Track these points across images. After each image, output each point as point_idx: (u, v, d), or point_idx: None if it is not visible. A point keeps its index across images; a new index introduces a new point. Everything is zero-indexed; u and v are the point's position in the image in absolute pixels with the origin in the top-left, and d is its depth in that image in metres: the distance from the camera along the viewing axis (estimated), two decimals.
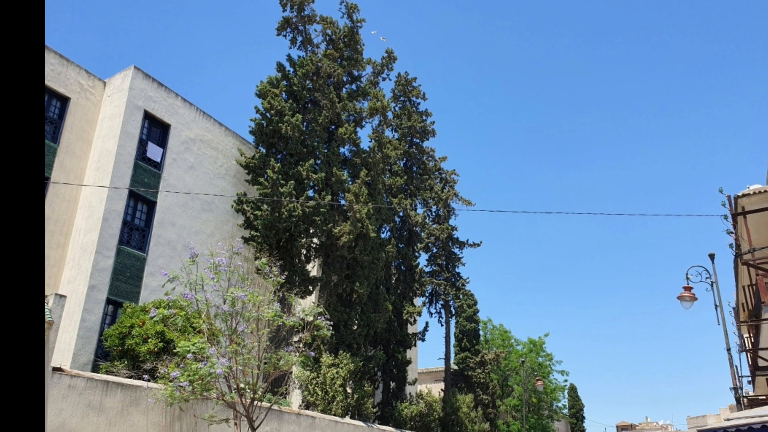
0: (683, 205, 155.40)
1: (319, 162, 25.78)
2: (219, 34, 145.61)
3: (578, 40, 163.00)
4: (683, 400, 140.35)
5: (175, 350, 13.76)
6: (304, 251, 25.18)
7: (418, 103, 35.71)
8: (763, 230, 20.29)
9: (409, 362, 30.53)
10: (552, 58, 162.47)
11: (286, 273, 20.26)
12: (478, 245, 36.52)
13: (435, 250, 36.07)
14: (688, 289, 19.61)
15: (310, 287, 24.37)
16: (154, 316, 13.95)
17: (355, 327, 25.78)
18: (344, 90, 28.28)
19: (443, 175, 36.90)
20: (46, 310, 12.24)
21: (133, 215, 21.92)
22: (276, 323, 13.69)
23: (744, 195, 18.88)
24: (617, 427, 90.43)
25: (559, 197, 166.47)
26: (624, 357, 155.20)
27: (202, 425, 15.04)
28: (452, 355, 35.59)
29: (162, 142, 23.51)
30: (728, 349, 19.22)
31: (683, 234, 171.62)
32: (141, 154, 22.53)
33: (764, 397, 23.57)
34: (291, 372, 21.65)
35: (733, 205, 18.80)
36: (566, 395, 56.99)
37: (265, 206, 23.22)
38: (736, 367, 19.88)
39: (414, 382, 32.31)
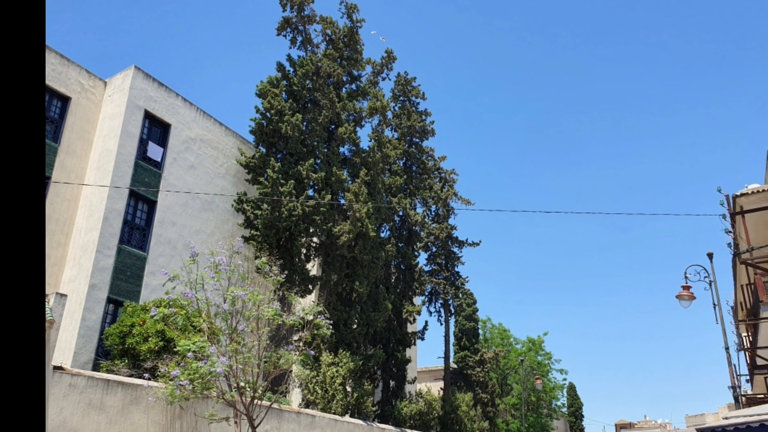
0: (682, 204, 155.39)
1: (318, 161, 25.84)
2: (219, 34, 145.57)
3: (577, 39, 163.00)
4: (682, 399, 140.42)
5: (175, 349, 13.75)
6: (304, 250, 25.23)
7: (418, 103, 35.75)
8: (762, 229, 20.33)
9: (408, 361, 30.59)
10: (551, 57, 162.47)
11: (286, 272, 20.32)
12: (478, 244, 36.59)
13: (434, 249, 36.12)
14: (686, 288, 19.65)
15: (310, 286, 24.43)
16: (155, 315, 13.97)
17: (355, 326, 25.84)
18: (344, 90, 28.33)
19: (442, 175, 36.95)
20: (46, 309, 12.27)
21: (134, 214, 21.98)
22: (276, 322, 13.72)
23: (742, 194, 18.93)
24: (616, 425, 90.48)
25: (558, 196, 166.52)
26: (623, 356, 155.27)
27: (203, 424, 15.06)
28: (451, 353, 35.65)
29: (162, 142, 23.57)
30: (726, 348, 19.26)
31: (682, 233, 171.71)
32: (141, 153, 22.59)
33: (762, 396, 23.63)
34: (291, 371, 21.72)
35: (732, 205, 18.85)
36: (565, 394, 57.10)
37: (265, 205, 23.27)
38: (735, 365, 19.97)
39: (413, 381, 32.37)
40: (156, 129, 23.55)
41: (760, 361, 20.90)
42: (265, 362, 13.47)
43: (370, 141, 28.54)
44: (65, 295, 13.39)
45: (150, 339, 16.11)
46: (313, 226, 24.26)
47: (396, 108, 34.99)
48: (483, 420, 33.21)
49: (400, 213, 32.15)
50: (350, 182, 26.72)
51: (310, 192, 25.22)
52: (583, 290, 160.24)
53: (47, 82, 21.19)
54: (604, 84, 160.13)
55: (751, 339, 20.81)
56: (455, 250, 36.41)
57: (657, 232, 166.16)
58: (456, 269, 36.30)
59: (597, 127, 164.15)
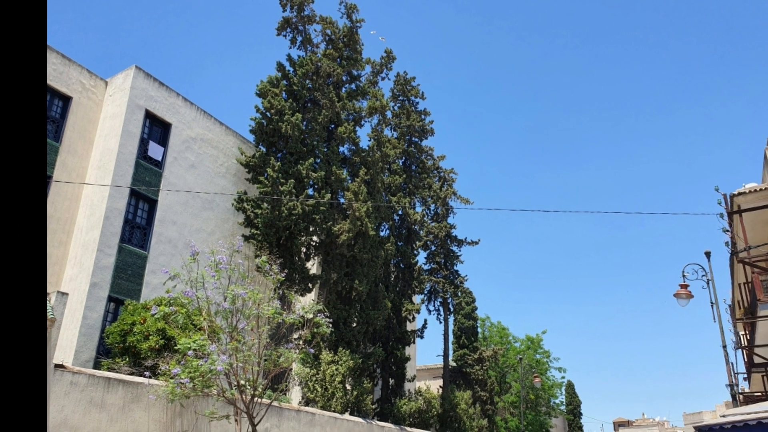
0: (680, 203, 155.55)
1: (318, 161, 25.91)
2: (219, 34, 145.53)
3: (575, 39, 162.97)
4: (679, 397, 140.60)
5: (176, 347, 13.75)
6: (303, 249, 25.29)
7: (417, 103, 35.80)
8: (759, 228, 20.41)
9: (407, 359, 30.66)
10: (549, 57, 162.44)
11: (286, 271, 20.35)
12: (477, 243, 36.67)
13: (433, 248, 36.18)
14: (684, 286, 19.72)
15: (310, 285, 24.50)
16: (156, 314, 13.96)
17: (355, 324, 25.91)
18: (344, 89, 28.40)
19: (442, 174, 37.02)
20: (48, 307, 12.32)
21: (135, 213, 22.07)
22: (276, 320, 13.76)
23: (740, 193, 19.01)
24: (614, 423, 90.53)
25: (557, 196, 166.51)
26: (621, 354, 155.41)
27: (203, 422, 15.09)
28: (450, 352, 35.74)
29: (163, 141, 23.66)
30: (724, 347, 19.33)
31: (680, 232, 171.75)
32: (142, 152, 22.67)
33: (760, 394, 23.75)
34: (291, 369, 21.78)
35: (729, 204, 18.94)
36: (564, 392, 57.16)
37: (265, 205, 23.35)
38: (732, 364, 20.03)
39: (413, 379, 32.44)
40: (157, 128, 23.63)
41: (757, 359, 21.00)
42: (265, 360, 13.50)
43: (370, 140, 28.62)
44: (66, 294, 13.41)
45: (151, 337, 16.13)
46: (312, 225, 24.34)
47: (395, 107, 35.05)
48: (482, 418, 33.32)
49: (400, 212, 32.24)
50: (350, 181, 26.79)
51: (310, 191, 25.29)
52: (581, 289, 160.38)
53: (48, 81, 21.25)
54: (602, 84, 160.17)
55: (748, 337, 20.91)
56: (454, 248, 36.49)
57: (655, 231, 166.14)
58: (455, 268, 36.38)
59: (595, 126, 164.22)
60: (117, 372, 15.10)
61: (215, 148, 25.70)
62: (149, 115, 23.17)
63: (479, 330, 41.64)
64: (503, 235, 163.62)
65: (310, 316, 14.25)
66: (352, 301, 25.89)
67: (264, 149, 25.12)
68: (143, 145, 22.78)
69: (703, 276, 19.91)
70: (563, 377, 51.61)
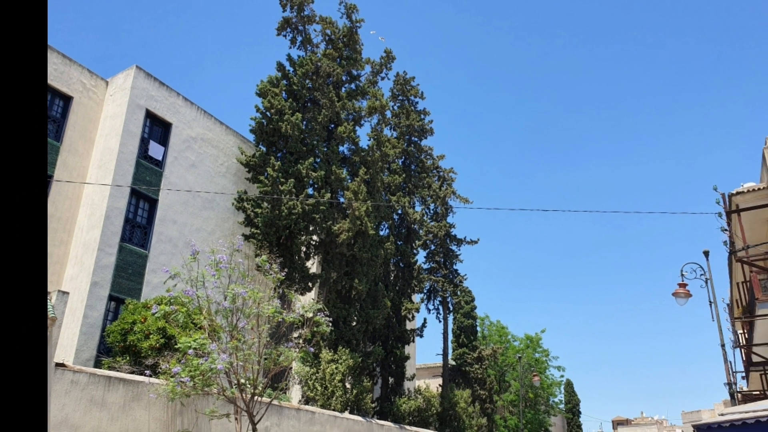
0: (678, 202, 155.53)
1: (318, 160, 25.97)
2: (220, 34, 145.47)
3: (575, 39, 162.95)
4: (678, 396, 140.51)
5: (176, 346, 13.76)
6: (303, 248, 25.35)
7: (417, 102, 35.87)
8: (757, 228, 20.49)
9: (407, 358, 30.73)
10: (549, 57, 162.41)
11: (286, 270, 20.39)
12: (476, 242, 36.75)
13: (433, 247, 36.24)
14: (682, 285, 19.77)
15: (310, 284, 24.56)
16: (156, 313, 13.96)
17: (354, 323, 25.98)
18: (343, 89, 28.45)
19: (441, 174, 37.08)
20: (49, 306, 12.36)
21: (135, 213, 22.13)
22: (276, 319, 13.78)
23: (738, 193, 19.08)
24: (613, 421, 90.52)
25: (556, 195, 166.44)
26: (619, 353, 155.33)
27: (203, 420, 15.12)
28: (450, 350, 35.81)
29: (163, 141, 23.71)
30: (722, 345, 19.38)
31: (678, 231, 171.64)
32: (143, 152, 22.73)
33: (758, 393, 23.81)
34: (291, 368, 21.83)
35: (728, 203, 19.01)
36: (563, 390, 57.21)
37: (266, 204, 23.40)
38: (730, 362, 20.05)
39: (412, 378, 32.50)
40: (157, 128, 23.69)
41: (755, 358, 21.06)
42: (266, 359, 13.52)
43: (370, 140, 28.70)
44: (67, 293, 13.44)
45: (151, 336, 16.14)
46: (312, 225, 24.40)
47: (395, 107, 35.11)
48: (481, 416, 33.39)
49: (399, 211, 32.32)
50: (349, 181, 26.85)
51: (310, 190, 25.35)
52: (580, 288, 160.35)
53: (49, 81, 21.30)
54: (601, 84, 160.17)
55: (746, 336, 20.95)
56: (453, 248, 36.55)
57: (654, 231, 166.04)
58: (454, 267, 36.44)
59: (594, 126, 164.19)
60: (118, 371, 15.11)
61: (215, 148, 25.76)
62: (150, 115, 23.23)
63: (478, 329, 41.73)
64: (502, 235, 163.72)
65: (310, 315, 14.27)
66: (351, 300, 25.96)
67: (264, 149, 25.18)
68: (144, 144, 22.83)
69: (701, 275, 19.98)
70: (562, 376, 51.72)
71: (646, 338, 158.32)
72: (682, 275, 19.93)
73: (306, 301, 19.17)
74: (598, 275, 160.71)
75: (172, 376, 12.97)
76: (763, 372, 22.23)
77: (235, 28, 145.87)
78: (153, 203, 22.71)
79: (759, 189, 18.90)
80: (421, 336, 32.93)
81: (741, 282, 20.49)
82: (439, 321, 35.27)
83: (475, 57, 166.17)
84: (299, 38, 27.51)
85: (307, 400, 22.62)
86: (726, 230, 19.30)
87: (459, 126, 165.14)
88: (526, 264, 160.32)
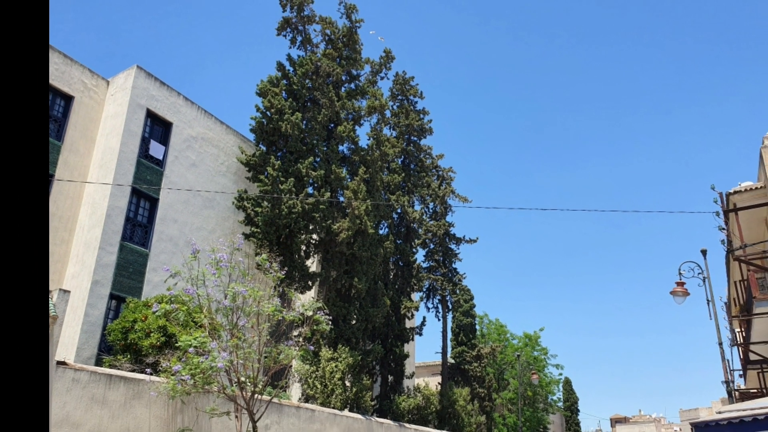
0: (676, 201, 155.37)
1: (318, 160, 26.04)
2: (220, 34, 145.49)
3: (573, 39, 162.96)
4: (676, 394, 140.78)
5: (177, 344, 13.78)
6: (303, 247, 25.42)
7: (416, 102, 35.93)
8: (754, 226, 20.61)
9: (406, 356, 30.80)
10: (547, 57, 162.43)
11: (286, 268, 20.48)
12: (475, 241, 36.84)
13: (432, 246, 36.33)
14: (680, 284, 19.82)
15: (310, 282, 24.62)
16: (157, 311, 14.03)
17: (354, 321, 26.05)
18: (343, 89, 28.52)
19: (440, 173, 37.15)
20: (50, 305, 12.44)
21: (136, 212, 22.20)
22: (276, 318, 13.84)
23: (735, 192, 19.20)
24: (611, 419, 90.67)
25: (555, 194, 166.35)
26: (618, 351, 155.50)
27: (204, 418, 15.14)
28: (449, 349, 35.93)
29: (164, 140, 23.78)
30: (720, 344, 19.43)
31: (676, 230, 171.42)
32: (143, 151, 22.80)
33: (755, 391, 23.90)
34: (291, 366, 21.88)
35: (725, 202, 19.12)
36: (561, 388, 57.31)
37: (266, 203, 23.47)
38: (728, 361, 20.13)
39: (411, 376, 32.60)
40: (158, 127, 23.76)
41: (753, 357, 21.16)
42: (266, 357, 13.57)
43: (369, 139, 28.78)
44: (68, 292, 13.50)
45: (152, 334, 16.17)
46: (312, 223, 24.47)
47: (394, 107, 35.18)
48: (480, 414, 33.49)
49: (399, 210, 32.41)
50: (349, 180, 26.92)
51: (310, 190, 25.42)
52: (578, 286, 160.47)
53: (51, 81, 21.36)
54: (599, 83, 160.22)
55: (744, 334, 21.04)
56: (452, 246, 36.64)
57: (652, 230, 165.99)
58: (453, 266, 36.52)
59: (593, 125, 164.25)
60: (118, 369, 15.10)
61: (216, 147, 25.83)
62: (150, 115, 23.30)
63: (477, 327, 41.82)
64: (501, 233, 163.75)
65: (310, 313, 14.31)
66: (351, 298, 26.04)
67: (264, 148, 25.24)
68: (144, 143, 22.90)
69: (699, 274, 20.03)
70: (561, 374, 51.90)
71: (644, 336, 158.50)
72: (680, 274, 19.98)
73: (306, 300, 19.24)
74: (597, 274, 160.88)
75: (172, 375, 13.00)
76: (760, 370, 22.32)
77: (235, 28, 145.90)
78: (154, 202, 22.79)
79: (756, 188, 19.02)
80: (421, 334, 33.05)
81: (738, 280, 20.60)
82: (439, 319, 35.39)
83: (474, 57, 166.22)
84: (299, 38, 27.57)
85: (307, 398, 22.69)
86: (724, 229, 19.40)
87: (458, 125, 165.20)
88: (524, 263, 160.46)
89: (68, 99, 22.20)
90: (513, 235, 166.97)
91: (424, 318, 33.60)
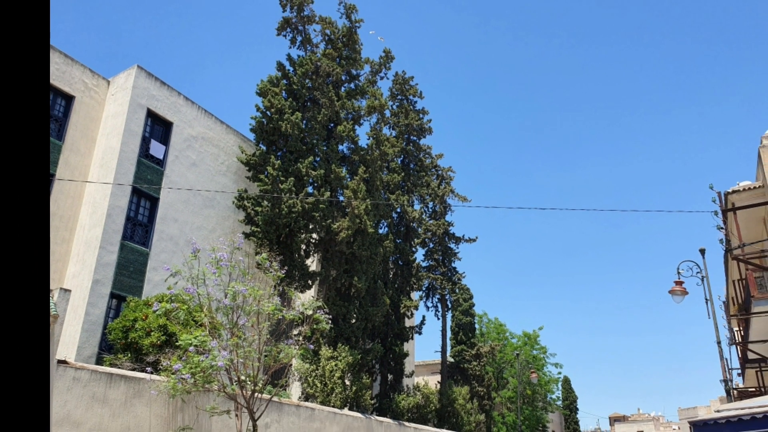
0: (675, 201, 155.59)
1: (318, 159, 26.08)
2: (220, 34, 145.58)
3: (572, 39, 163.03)
4: (674, 392, 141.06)
5: (177, 343, 13.79)
6: (303, 246, 25.46)
7: (415, 102, 35.97)
8: (753, 226, 20.66)
9: (406, 355, 30.85)
10: (546, 57, 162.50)
11: (285, 268, 20.50)
12: (474, 240, 36.89)
13: (431, 245, 36.38)
14: (679, 283, 19.84)
15: (310, 281, 24.66)
16: (157, 310, 14.02)
17: (354, 320, 26.09)
18: (343, 89, 28.56)
19: (439, 172, 37.19)
20: (51, 304, 12.46)
21: (137, 211, 22.26)
22: (276, 317, 13.85)
23: (734, 191, 19.24)
24: (610, 418, 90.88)
25: (554, 194, 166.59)
26: (616, 350, 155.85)
27: (204, 416, 15.17)
28: (448, 348, 35.98)
29: (164, 140, 23.83)
30: (718, 343, 19.46)
31: (674, 230, 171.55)
32: (144, 151, 22.85)
33: (754, 389, 23.95)
34: (291, 365, 21.95)
35: (724, 202, 19.15)
36: (560, 387, 57.43)
37: (266, 202, 23.51)
38: (726, 359, 20.17)
39: (411, 375, 32.68)
40: (158, 127, 23.82)
41: (751, 355, 21.21)
42: (266, 356, 13.59)
43: (369, 139, 28.83)
44: (69, 291, 13.52)
45: (152, 333, 16.19)
46: (312, 223, 24.52)
47: (394, 106, 35.22)
48: (479, 413, 33.54)
49: (398, 210, 32.46)
50: (349, 179, 26.96)
51: (310, 189, 25.46)
52: (578, 286, 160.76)
53: (52, 81, 21.40)
54: (598, 83, 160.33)
55: (742, 333, 21.08)
56: (452, 246, 36.70)
57: (650, 229, 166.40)
58: (453, 265, 36.59)
59: (591, 125, 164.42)
60: (119, 368, 15.13)
61: (216, 147, 25.88)
62: (151, 114, 23.35)
63: (477, 326, 41.88)
64: (500, 233, 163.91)
65: (310, 312, 14.32)
66: (351, 297, 26.09)
67: (264, 148, 25.28)
68: (145, 143, 22.95)
69: (697, 273, 20.06)
70: (560, 373, 51.95)
71: (643, 335, 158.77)
72: (679, 273, 20.01)
73: (306, 299, 19.31)
74: (596, 273, 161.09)
75: (173, 373, 13.02)
76: (758, 369, 22.37)
77: (235, 28, 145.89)
78: (154, 201, 22.84)
79: (754, 187, 19.06)
80: (420, 333, 33.10)
81: (737, 280, 20.62)
82: (438, 318, 35.47)
83: (474, 57, 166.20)
84: (299, 38, 27.61)
85: (306, 397, 22.75)
86: (722, 228, 19.46)
87: (457, 125, 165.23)
88: (524, 262, 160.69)
89: (69, 99, 22.25)
90: (512, 235, 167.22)
91: (424, 317, 33.68)
